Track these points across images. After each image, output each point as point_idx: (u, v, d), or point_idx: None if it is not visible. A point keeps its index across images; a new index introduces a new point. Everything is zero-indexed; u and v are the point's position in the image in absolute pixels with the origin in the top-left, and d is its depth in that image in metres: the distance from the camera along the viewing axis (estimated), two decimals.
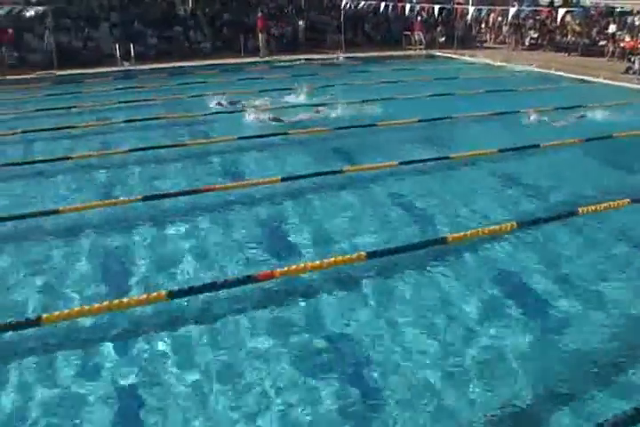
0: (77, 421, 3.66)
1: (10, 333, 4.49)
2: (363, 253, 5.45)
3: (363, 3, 22.39)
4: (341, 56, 20.13)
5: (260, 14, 20.77)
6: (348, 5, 22.36)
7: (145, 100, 12.96)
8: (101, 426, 3.61)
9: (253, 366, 4.08)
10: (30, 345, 4.44)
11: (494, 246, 5.82)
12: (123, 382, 4.00)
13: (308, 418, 3.61)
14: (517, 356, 4.13)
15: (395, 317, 4.65)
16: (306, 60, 19.67)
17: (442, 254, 5.63)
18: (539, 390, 3.81)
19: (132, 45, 18.83)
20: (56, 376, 4.08)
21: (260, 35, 20.46)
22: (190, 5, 23.62)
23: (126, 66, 17.85)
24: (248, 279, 5.13)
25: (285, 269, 5.22)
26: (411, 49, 22.70)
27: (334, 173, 7.72)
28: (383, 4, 21.88)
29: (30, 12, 18.79)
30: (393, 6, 21.87)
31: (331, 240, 5.98)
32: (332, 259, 5.36)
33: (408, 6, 21.63)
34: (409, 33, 23.40)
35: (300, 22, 22.96)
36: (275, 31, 22.59)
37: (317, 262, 5.31)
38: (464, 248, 5.75)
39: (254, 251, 5.80)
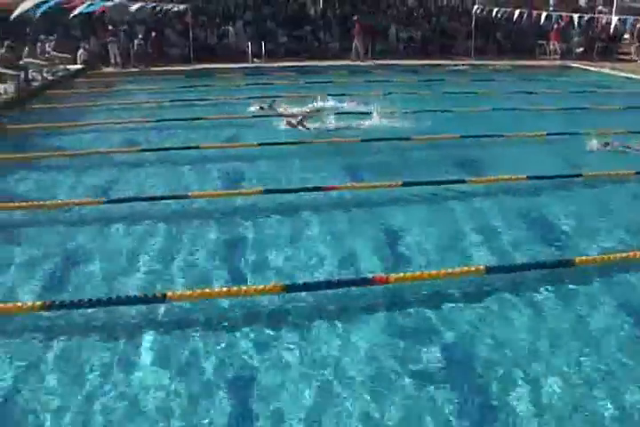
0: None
1: (139, 306, 4.80)
2: (482, 266, 5.26)
3: (496, 9, 21.72)
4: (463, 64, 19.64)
5: (355, 17, 20.89)
6: (480, 11, 21.79)
7: (272, 96, 13.37)
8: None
9: (356, 367, 4.05)
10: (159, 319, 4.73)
11: (625, 274, 5.38)
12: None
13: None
14: None
15: (506, 337, 4.43)
16: (432, 65, 19.42)
17: (566, 277, 5.30)
18: None
19: (263, 43, 19.57)
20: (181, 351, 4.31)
21: (356, 37, 20.52)
22: (321, 6, 24.14)
23: (257, 63, 18.57)
24: (362, 281, 5.11)
25: (401, 275, 5.16)
26: (545, 59, 21.71)
27: (457, 182, 7.53)
28: (517, 12, 21.09)
29: (172, 10, 20.11)
30: (528, 14, 21.01)
31: (450, 251, 5.82)
32: (449, 270, 5.22)
33: (544, 14, 20.70)
34: (543, 42, 22.39)
35: (392, 28, 22.62)
36: (403, 35, 22.52)
37: (434, 272, 5.20)
38: (591, 273, 5.38)
39: (371, 253, 5.77)
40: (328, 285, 5.07)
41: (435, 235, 6.17)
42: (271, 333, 4.49)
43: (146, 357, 4.24)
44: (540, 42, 22.47)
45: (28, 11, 17.35)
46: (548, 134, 10.19)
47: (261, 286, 5.03)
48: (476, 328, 4.53)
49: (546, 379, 3.89)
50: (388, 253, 5.77)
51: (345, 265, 5.54)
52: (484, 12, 21.78)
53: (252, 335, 4.47)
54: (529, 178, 7.63)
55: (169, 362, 4.16)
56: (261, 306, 4.88)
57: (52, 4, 17.70)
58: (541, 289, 5.06)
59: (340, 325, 4.58)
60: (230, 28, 21.57)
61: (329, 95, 12.54)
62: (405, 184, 7.33)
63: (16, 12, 16.54)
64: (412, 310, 4.78)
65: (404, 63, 19.82)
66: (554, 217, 6.65)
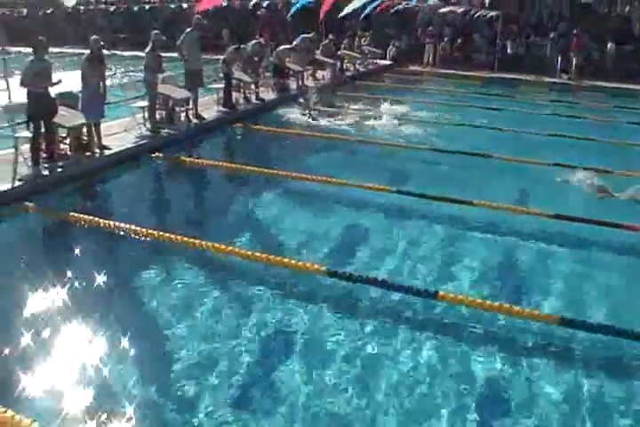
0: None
1: (410, 297, 5.02)
2: None
3: None
4: None
5: (575, 31, 17.83)
6: None
7: (577, 116, 12.52)
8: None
9: None
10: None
11: None
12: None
13: None
14: None
15: None
16: None
17: None
18: None
19: (574, 59, 18.34)
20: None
21: (571, 53, 17.57)
22: None
23: (564, 79, 17.55)
24: None
25: None
26: None
27: None
28: None
29: (483, 15, 20.03)
30: None
31: None
32: None
33: None
34: None
35: (609, 45, 18.58)
36: None
37: None
38: None
39: None
40: (609, 330, 4.61)
41: None
42: (535, 364, 4.27)
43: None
44: None
45: (355, 9, 19.06)
46: None
47: (537, 312, 4.82)
48: None
49: None
50: None
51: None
52: None
53: (511, 360, 4.31)
54: None
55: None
56: (530, 332, 4.67)
57: (375, 4, 19.17)
58: None
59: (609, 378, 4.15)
60: (540, 40, 20.67)
61: None
62: None
63: (345, 11, 18.15)
64: None
65: None
66: None
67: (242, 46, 12.22)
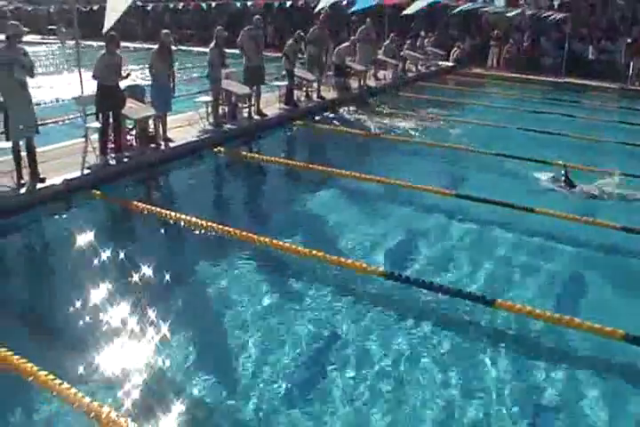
0: None
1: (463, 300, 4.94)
2: None
3: None
4: None
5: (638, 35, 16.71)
6: None
7: None
8: None
9: None
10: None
11: None
12: None
13: None
14: None
15: None
16: None
17: None
18: None
19: None
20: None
21: (634, 58, 16.53)
22: None
23: (636, 85, 16.84)
24: None
25: None
26: None
27: None
28: None
29: (551, 18, 19.43)
30: None
31: None
32: None
33: None
34: None
35: None
36: None
37: None
38: None
39: None
40: None
41: None
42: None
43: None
44: None
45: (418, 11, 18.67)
46: None
47: (598, 326, 4.62)
48: None
49: None
50: None
51: None
52: None
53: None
54: None
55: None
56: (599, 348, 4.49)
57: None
58: None
59: None
60: (611, 44, 19.86)
61: None
62: None
63: (409, 10, 17.79)
64: None
65: None
66: None
67: (301, 34, 11.75)
